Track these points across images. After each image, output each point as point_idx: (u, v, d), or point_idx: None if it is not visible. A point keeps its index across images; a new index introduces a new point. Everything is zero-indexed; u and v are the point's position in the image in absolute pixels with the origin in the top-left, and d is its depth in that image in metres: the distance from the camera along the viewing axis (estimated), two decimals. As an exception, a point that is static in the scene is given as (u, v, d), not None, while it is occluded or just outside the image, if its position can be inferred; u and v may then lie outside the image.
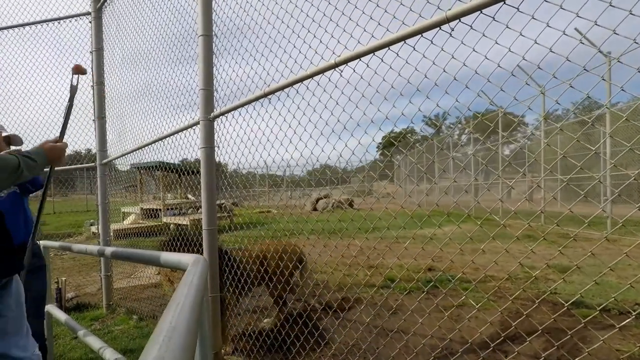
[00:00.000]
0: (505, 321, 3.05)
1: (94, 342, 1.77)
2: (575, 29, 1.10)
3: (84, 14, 4.45)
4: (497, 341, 1.27)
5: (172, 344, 0.38)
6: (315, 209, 17.55)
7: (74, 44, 4.70)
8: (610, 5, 1.04)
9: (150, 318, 3.86)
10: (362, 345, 2.95)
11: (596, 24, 1.06)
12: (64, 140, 1.70)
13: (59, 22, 4.67)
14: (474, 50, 1.31)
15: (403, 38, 1.52)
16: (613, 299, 1.14)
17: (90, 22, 4.34)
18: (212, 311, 2.63)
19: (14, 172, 1.33)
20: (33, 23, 4.87)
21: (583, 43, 1.08)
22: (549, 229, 1.42)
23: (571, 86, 1.15)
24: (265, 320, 3.58)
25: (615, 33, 1.04)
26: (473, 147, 15.37)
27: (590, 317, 1.19)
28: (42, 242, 2.57)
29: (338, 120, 1.93)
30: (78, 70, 1.97)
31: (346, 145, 1.90)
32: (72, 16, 4.54)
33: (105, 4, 4.21)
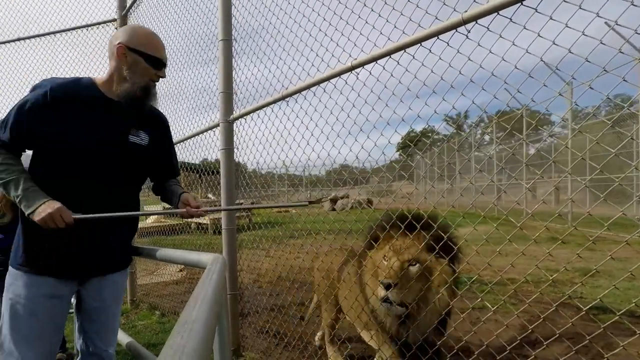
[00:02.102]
0: (526, 325, 2.97)
1: (121, 336, 1.86)
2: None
3: (110, 21, 4.63)
4: (514, 344, 1.25)
5: (192, 336, 0.41)
6: (333, 209, 17.58)
7: (100, 50, 4.89)
8: (632, 4, 1.02)
9: (172, 314, 3.98)
10: (378, 346, 2.95)
11: (617, 24, 1.04)
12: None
13: (87, 29, 4.87)
14: (490, 52, 1.30)
15: (419, 40, 1.52)
16: (634, 304, 1.11)
17: (116, 28, 4.51)
18: (231, 309, 2.70)
19: None
20: (63, 30, 5.11)
21: (603, 43, 1.06)
22: (567, 231, 1.39)
23: (591, 87, 1.13)
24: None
25: (636, 33, 1.02)
26: (495, 147, 15.01)
27: (610, 321, 1.16)
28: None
29: (354, 123, 1.95)
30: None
31: (362, 147, 1.91)
32: (99, 23, 4.73)
33: (131, 10, 4.36)
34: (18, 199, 1.41)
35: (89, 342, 1.67)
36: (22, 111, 1.43)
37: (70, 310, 2.47)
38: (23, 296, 1.45)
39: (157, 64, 1.57)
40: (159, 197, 1.90)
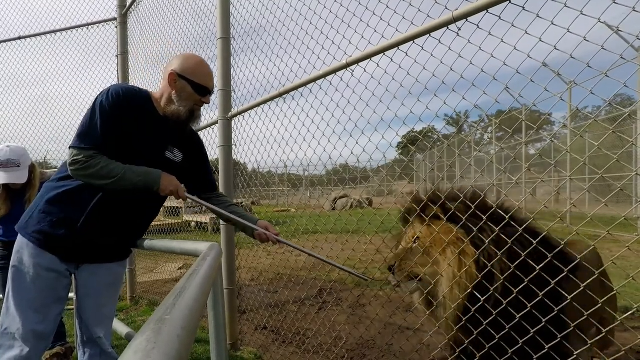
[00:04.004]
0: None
1: (120, 327, 1.89)
2: (604, 22, 1.09)
3: (110, 20, 4.67)
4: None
5: (184, 299, 0.44)
6: (334, 209, 17.63)
7: (101, 48, 4.93)
8: (614, 2, 1.05)
9: (172, 311, 4.01)
10: (376, 342, 2.99)
11: (599, 21, 1.07)
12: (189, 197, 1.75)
13: (87, 28, 4.91)
14: (480, 49, 1.33)
15: (412, 38, 1.55)
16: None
17: (116, 27, 4.55)
18: (229, 304, 2.73)
19: (104, 179, 1.52)
20: (64, 29, 5.15)
21: (587, 40, 1.09)
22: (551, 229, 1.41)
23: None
24: None
25: (619, 29, 1.05)
26: (494, 147, 15.02)
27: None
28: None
29: (349, 119, 1.98)
30: None
31: (357, 143, 1.94)
32: (100, 22, 4.77)
33: (131, 9, 4.40)
34: (141, 183, 1.56)
35: (84, 328, 1.75)
36: (106, 113, 1.53)
37: (71, 307, 2.52)
38: (26, 264, 1.57)
39: (203, 92, 1.71)
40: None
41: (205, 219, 10.78)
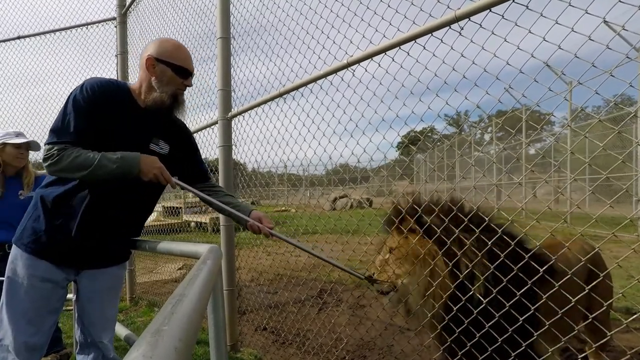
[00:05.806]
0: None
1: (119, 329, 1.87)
2: (607, 22, 1.08)
3: (109, 19, 4.65)
4: (505, 335, 1.28)
5: (182, 306, 0.42)
6: (334, 209, 17.62)
7: (100, 48, 4.92)
8: (620, 1, 1.03)
9: (171, 311, 3.99)
10: (377, 343, 2.97)
11: (605, 22, 1.05)
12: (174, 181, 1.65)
13: (86, 28, 4.89)
14: (482, 48, 1.32)
15: (413, 37, 1.54)
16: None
17: (115, 26, 4.53)
18: (229, 304, 2.72)
19: (79, 171, 1.43)
20: (63, 29, 5.13)
21: (592, 39, 1.08)
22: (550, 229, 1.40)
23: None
24: None
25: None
26: (495, 147, 15.01)
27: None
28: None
29: (350, 119, 1.96)
30: None
31: (358, 143, 1.93)
32: (99, 21, 4.75)
33: (130, 9, 4.38)
34: (119, 170, 1.45)
35: (86, 332, 1.73)
36: (80, 108, 1.47)
37: (70, 307, 2.51)
38: (20, 275, 1.54)
39: (184, 74, 1.64)
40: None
41: (205, 219, 10.75)
